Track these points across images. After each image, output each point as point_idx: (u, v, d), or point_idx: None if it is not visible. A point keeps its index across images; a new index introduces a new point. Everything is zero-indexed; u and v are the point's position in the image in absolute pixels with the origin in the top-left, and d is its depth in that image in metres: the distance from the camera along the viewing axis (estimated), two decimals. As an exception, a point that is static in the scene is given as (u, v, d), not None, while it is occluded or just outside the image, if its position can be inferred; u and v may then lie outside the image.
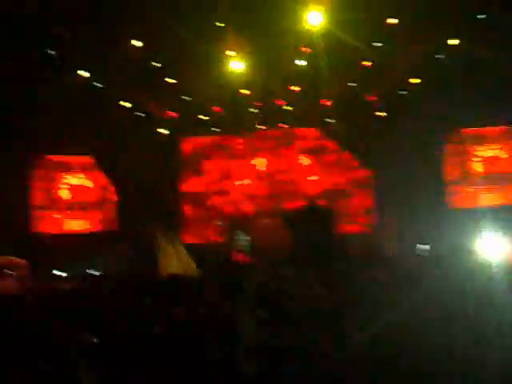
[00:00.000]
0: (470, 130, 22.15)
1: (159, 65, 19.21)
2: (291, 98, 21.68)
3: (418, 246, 16.77)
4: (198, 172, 24.38)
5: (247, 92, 20.91)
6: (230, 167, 24.29)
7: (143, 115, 21.71)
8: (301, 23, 16.96)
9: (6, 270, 18.15)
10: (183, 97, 21.09)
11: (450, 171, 22.01)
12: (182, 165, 24.29)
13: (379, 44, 18.21)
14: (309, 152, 23.65)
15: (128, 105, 20.79)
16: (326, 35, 17.40)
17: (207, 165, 24.36)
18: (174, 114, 22.17)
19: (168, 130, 22.65)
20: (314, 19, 16.69)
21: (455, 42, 17.87)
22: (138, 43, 17.79)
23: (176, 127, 22.57)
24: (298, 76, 20.18)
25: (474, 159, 22.04)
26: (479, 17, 16.74)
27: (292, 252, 11.60)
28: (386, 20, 17.30)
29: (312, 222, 12.48)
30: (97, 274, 19.96)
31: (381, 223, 21.64)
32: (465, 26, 17.26)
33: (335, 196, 22.96)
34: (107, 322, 4.86)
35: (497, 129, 22.04)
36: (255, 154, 23.99)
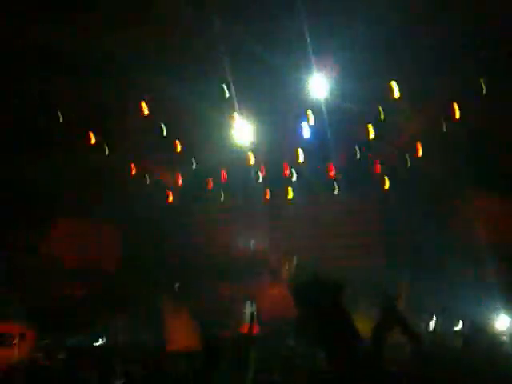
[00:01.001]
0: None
1: (164, 132, 19.53)
2: (297, 167, 21.85)
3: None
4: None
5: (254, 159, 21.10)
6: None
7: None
8: (306, 92, 17.30)
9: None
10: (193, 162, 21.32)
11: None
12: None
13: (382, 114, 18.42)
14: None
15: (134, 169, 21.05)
16: (331, 105, 17.70)
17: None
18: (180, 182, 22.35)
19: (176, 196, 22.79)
20: (320, 88, 17.04)
21: (458, 111, 18.07)
22: (146, 109, 18.13)
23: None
24: (305, 145, 20.41)
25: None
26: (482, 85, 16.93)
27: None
28: (390, 90, 17.59)
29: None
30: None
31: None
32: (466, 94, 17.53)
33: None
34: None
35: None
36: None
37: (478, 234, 19.54)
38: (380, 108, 18.33)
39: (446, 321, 19.75)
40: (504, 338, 17.05)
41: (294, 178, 22.74)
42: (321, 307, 2.42)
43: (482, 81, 16.64)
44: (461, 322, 19.78)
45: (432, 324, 19.46)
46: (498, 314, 19.18)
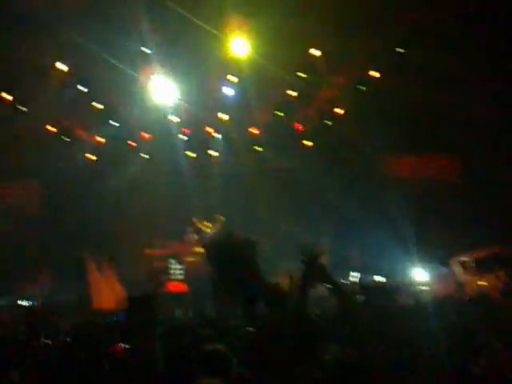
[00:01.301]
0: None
1: (85, 89, 19.01)
2: (220, 126, 21.85)
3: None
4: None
5: (177, 119, 20.91)
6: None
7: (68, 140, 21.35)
8: (228, 53, 17.17)
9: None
10: (111, 122, 20.90)
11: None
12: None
13: (304, 75, 18.58)
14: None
15: (53, 129, 20.48)
16: (253, 65, 17.65)
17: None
18: (101, 140, 21.92)
19: (95, 155, 22.36)
20: (241, 49, 16.93)
21: (376, 74, 18.46)
22: (63, 67, 17.53)
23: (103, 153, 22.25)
24: (226, 104, 20.39)
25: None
26: (398, 50, 17.33)
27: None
28: (309, 51, 17.72)
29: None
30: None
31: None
32: (385, 58, 17.90)
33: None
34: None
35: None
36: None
37: (396, 195, 20.33)
38: (301, 71, 18.48)
39: (368, 276, 20.61)
40: (422, 288, 18.01)
41: (218, 138, 22.80)
42: (231, 266, 2.49)
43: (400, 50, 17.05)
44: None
45: (354, 279, 20.20)
46: (416, 268, 20.16)
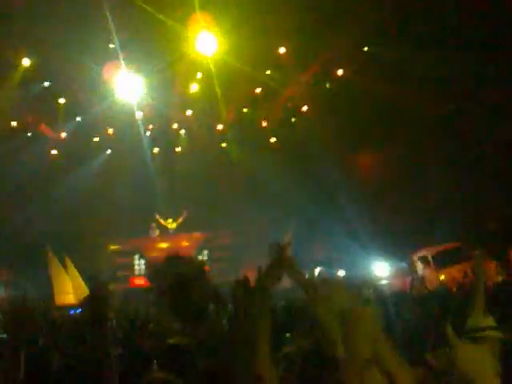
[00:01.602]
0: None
1: (47, 84, 18.83)
2: (185, 123, 21.90)
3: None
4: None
5: (142, 115, 20.87)
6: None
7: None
8: (194, 50, 17.18)
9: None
10: (75, 118, 20.78)
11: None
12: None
13: (270, 72, 18.75)
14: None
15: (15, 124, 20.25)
16: (220, 62, 17.72)
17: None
18: (63, 136, 21.75)
19: (60, 151, 22.18)
20: (207, 46, 16.96)
21: (341, 72, 18.73)
22: (27, 63, 17.33)
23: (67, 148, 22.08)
24: (192, 101, 20.44)
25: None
26: (364, 49, 17.61)
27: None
28: (276, 49, 17.89)
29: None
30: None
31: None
32: (350, 57, 18.18)
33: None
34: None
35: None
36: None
37: (355, 193, 20.73)
38: (267, 68, 18.63)
39: (331, 269, 20.94)
40: (382, 282, 18.36)
41: (183, 134, 22.84)
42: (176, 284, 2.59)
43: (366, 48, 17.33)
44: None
45: (318, 272, 20.47)
46: (377, 262, 20.52)
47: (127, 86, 18.67)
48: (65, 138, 21.81)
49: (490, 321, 3.85)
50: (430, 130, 19.69)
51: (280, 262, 2.66)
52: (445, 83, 17.69)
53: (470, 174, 19.33)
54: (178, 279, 2.74)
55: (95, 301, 3.16)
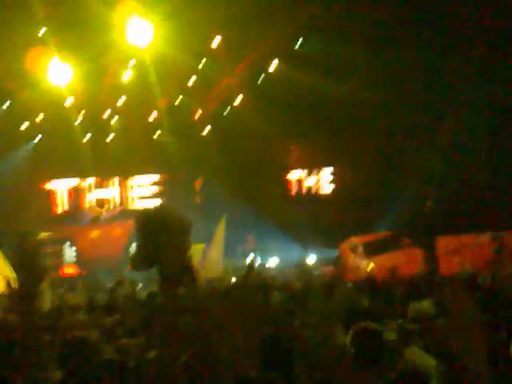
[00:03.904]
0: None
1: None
2: (119, 110, 21.58)
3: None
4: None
5: (73, 102, 20.43)
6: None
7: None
8: (128, 37, 16.94)
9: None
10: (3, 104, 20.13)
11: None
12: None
13: (204, 62, 18.72)
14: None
15: None
16: (153, 50, 17.55)
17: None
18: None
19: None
20: (142, 34, 16.77)
21: (275, 64, 18.90)
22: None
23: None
24: (125, 88, 20.17)
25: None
26: (297, 44, 17.83)
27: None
28: (211, 38, 17.86)
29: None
30: None
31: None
32: (283, 49, 18.38)
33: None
34: None
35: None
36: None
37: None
38: (202, 58, 18.59)
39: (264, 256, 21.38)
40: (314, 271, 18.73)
41: (114, 122, 22.50)
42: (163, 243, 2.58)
43: (299, 41, 17.54)
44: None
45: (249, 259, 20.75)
46: (308, 253, 21.19)
47: (57, 74, 18.23)
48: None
49: None
50: (361, 119, 20.22)
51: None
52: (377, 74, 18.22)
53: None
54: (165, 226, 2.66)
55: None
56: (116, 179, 24.84)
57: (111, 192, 25.06)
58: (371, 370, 3.37)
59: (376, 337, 3.70)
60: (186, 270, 2.63)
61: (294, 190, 24.35)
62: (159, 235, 2.43)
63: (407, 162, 19.98)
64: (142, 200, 24.78)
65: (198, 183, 23.57)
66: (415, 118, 19.08)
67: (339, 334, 4.48)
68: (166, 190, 24.54)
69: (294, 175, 24.29)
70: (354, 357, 3.50)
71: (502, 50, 17.75)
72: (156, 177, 24.52)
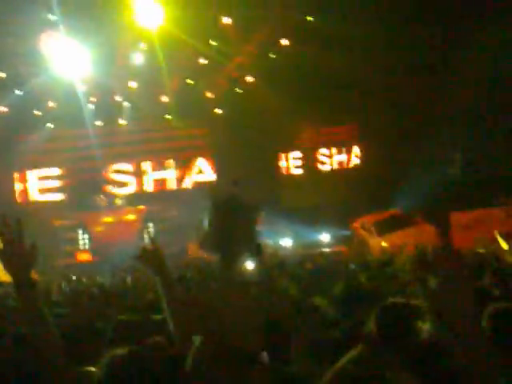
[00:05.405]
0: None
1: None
2: (129, 95, 21.64)
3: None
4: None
5: (84, 87, 20.47)
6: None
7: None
8: (137, 20, 16.91)
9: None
10: (16, 91, 20.20)
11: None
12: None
13: (214, 43, 18.69)
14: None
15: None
16: (164, 33, 17.52)
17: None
18: (4, 110, 21.13)
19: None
20: (152, 17, 16.73)
21: (286, 42, 18.85)
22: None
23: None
24: (136, 73, 20.19)
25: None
26: (308, 19, 17.73)
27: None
28: (221, 20, 17.81)
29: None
30: None
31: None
32: (295, 27, 18.30)
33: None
34: None
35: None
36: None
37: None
38: (213, 39, 18.57)
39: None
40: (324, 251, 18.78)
41: (127, 107, 22.58)
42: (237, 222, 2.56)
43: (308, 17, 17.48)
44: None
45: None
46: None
47: (68, 59, 18.24)
48: (4, 112, 21.20)
49: None
50: (373, 98, 20.15)
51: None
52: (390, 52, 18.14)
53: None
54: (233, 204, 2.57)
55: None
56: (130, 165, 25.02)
57: (129, 177, 25.23)
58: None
59: None
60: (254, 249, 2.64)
61: (307, 168, 24.47)
62: (232, 217, 2.46)
63: (429, 133, 19.69)
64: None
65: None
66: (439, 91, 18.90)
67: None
68: (180, 173, 24.80)
69: (307, 153, 24.41)
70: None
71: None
72: (171, 161, 24.73)
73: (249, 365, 2.51)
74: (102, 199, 24.96)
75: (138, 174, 25.02)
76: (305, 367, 3.53)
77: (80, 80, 19.88)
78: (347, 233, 21.27)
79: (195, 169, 25.00)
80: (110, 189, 24.99)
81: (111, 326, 4.50)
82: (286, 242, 21.82)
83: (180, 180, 25.10)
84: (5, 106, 21.02)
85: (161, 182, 25.21)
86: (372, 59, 18.90)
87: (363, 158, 23.67)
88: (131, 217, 25.22)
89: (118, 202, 25.10)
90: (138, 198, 24.94)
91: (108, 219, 25.05)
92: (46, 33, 17.40)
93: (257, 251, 2.44)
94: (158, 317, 5.19)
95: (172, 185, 25.25)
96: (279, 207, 21.18)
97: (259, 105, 20.68)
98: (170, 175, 25.21)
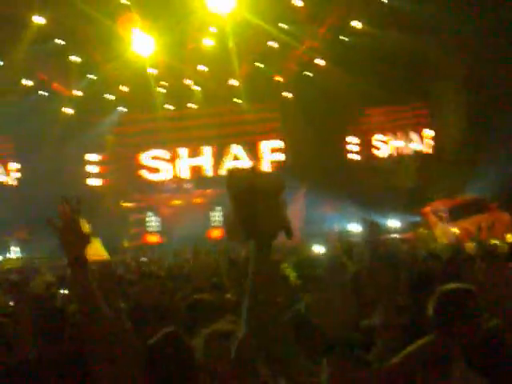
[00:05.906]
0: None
1: (63, 43, 18.69)
2: (199, 78, 21.80)
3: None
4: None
5: (155, 72, 20.76)
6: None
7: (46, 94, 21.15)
8: (208, 4, 16.92)
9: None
10: (89, 76, 20.71)
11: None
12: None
13: (285, 26, 18.53)
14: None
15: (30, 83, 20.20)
16: (233, 16, 17.49)
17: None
18: (78, 94, 21.72)
19: (74, 109, 22.18)
20: (222, 1, 16.69)
21: (358, 24, 18.49)
22: (40, 20, 17.09)
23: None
24: (206, 56, 20.29)
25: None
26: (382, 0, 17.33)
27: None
28: (292, 2, 17.61)
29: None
30: None
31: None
32: (368, 9, 17.94)
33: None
34: None
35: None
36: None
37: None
38: (282, 22, 18.43)
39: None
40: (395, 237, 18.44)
41: (197, 90, 22.75)
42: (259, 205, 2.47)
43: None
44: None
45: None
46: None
47: (140, 43, 18.46)
48: (78, 96, 21.78)
49: None
50: (449, 82, 19.55)
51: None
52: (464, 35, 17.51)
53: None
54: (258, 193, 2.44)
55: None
56: (208, 148, 25.12)
57: (203, 160, 25.37)
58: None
59: None
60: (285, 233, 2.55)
61: (374, 154, 24.06)
62: (253, 203, 2.36)
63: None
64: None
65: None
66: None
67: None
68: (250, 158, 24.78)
69: (378, 139, 23.96)
70: None
71: None
72: (240, 148, 24.69)
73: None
74: (171, 181, 25.34)
75: (216, 157, 24.97)
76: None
77: (151, 64, 20.15)
78: (417, 219, 20.82)
79: (265, 154, 24.75)
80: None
81: (185, 304, 4.55)
82: (355, 227, 21.51)
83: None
84: (79, 90, 21.60)
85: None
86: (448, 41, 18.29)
87: (437, 140, 23.03)
88: (199, 200, 25.49)
89: (187, 185, 25.39)
90: (207, 181, 25.11)
91: (177, 202, 25.41)
92: (119, 17, 17.68)
93: (286, 234, 2.36)
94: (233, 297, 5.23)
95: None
96: (347, 192, 20.88)
97: (329, 88, 20.36)
98: (239, 161, 25.08)
